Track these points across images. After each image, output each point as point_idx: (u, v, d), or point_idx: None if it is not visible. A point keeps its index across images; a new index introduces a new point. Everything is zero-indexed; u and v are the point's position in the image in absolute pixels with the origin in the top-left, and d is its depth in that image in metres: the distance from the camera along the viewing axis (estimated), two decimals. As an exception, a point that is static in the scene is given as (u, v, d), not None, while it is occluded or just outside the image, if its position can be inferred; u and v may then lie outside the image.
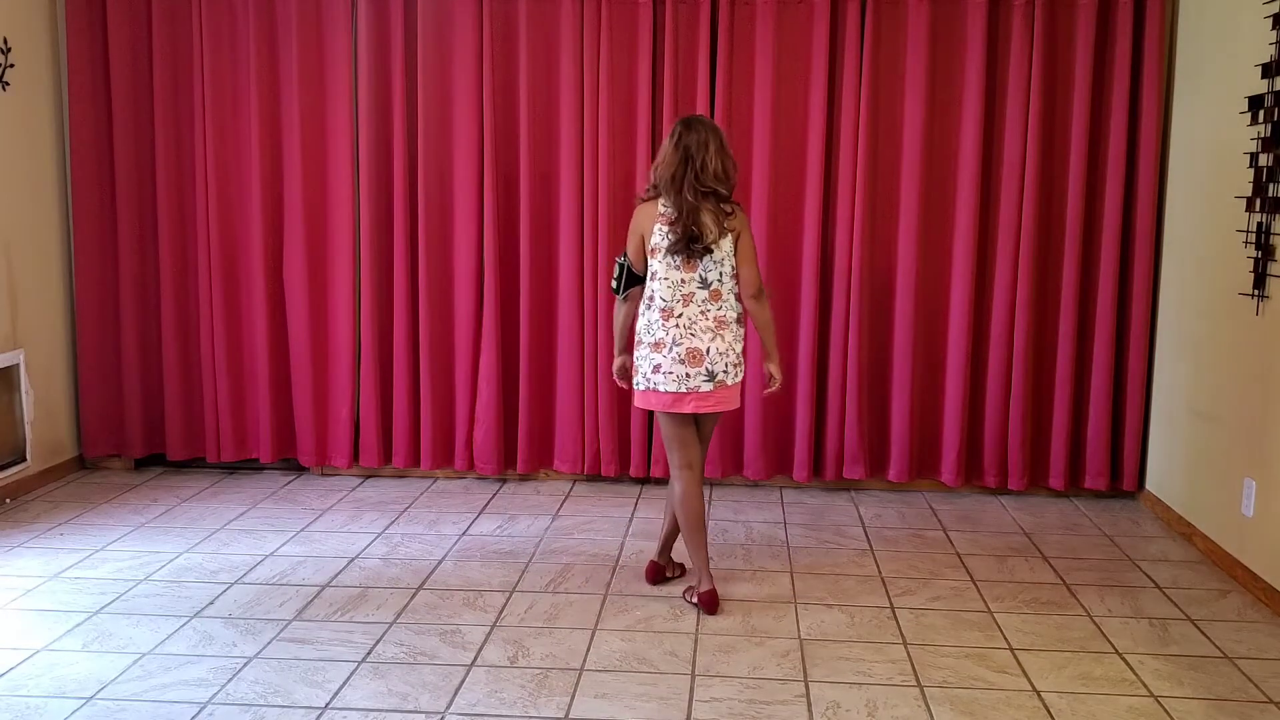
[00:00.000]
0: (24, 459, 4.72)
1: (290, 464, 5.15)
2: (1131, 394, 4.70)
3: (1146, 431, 4.76)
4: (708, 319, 3.45)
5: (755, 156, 4.68)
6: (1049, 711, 2.90)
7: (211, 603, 3.56)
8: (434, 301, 4.87)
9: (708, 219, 3.40)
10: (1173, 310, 4.56)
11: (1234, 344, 3.96)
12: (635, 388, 3.58)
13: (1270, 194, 3.69)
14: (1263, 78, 3.74)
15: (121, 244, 4.92)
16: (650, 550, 4.10)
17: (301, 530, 4.31)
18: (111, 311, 4.99)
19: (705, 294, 3.44)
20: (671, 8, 4.65)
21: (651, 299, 3.50)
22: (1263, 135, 3.73)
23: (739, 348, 3.51)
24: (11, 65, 4.61)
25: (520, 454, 4.93)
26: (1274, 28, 3.67)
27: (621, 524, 4.44)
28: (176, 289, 4.95)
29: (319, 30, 4.78)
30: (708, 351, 3.44)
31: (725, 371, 3.46)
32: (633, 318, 3.62)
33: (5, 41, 4.57)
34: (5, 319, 4.61)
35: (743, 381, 3.58)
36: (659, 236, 3.45)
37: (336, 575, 3.82)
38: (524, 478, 5.06)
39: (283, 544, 4.14)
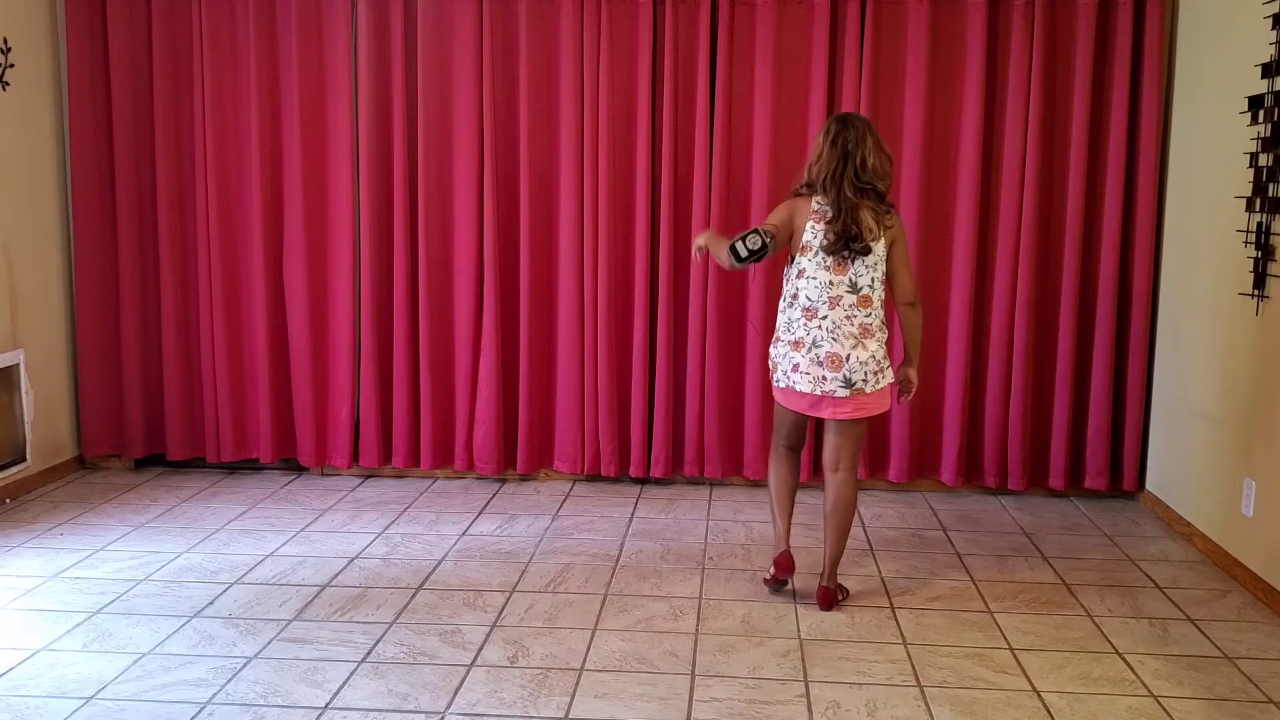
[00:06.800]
0: (24, 459, 4.72)
1: (290, 464, 5.15)
2: (1131, 394, 4.70)
3: (1146, 431, 4.76)
4: (853, 325, 3.39)
5: (755, 157, 4.68)
6: (1049, 711, 2.90)
7: (211, 603, 3.56)
8: (434, 301, 4.87)
9: (867, 216, 3.35)
10: (1173, 310, 4.56)
11: (1234, 344, 3.96)
12: (776, 385, 3.54)
13: (1270, 194, 3.69)
14: (1263, 78, 3.74)
15: (121, 244, 4.92)
16: (649, 551, 4.11)
17: (301, 530, 4.31)
18: (111, 311, 4.99)
19: (854, 299, 3.39)
20: (671, 8, 4.65)
21: (795, 296, 3.46)
22: (1263, 135, 3.73)
23: (882, 354, 3.44)
24: (11, 65, 4.61)
25: (520, 454, 4.93)
26: (1274, 28, 3.67)
27: (621, 524, 4.44)
28: (176, 289, 4.95)
29: (319, 30, 4.78)
30: (847, 359, 3.38)
31: (865, 380, 3.40)
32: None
33: (5, 41, 4.57)
34: (5, 319, 4.61)
35: (892, 384, 3.52)
36: (811, 234, 3.40)
37: (336, 575, 3.82)
38: (524, 478, 5.06)
39: (283, 544, 4.14)
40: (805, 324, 3.43)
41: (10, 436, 4.67)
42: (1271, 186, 3.68)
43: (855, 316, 3.39)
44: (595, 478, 5.03)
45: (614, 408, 4.86)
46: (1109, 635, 3.39)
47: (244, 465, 5.15)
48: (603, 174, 4.71)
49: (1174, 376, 4.52)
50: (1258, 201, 3.75)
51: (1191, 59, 4.43)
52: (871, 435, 4.85)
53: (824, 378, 3.40)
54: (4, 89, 4.58)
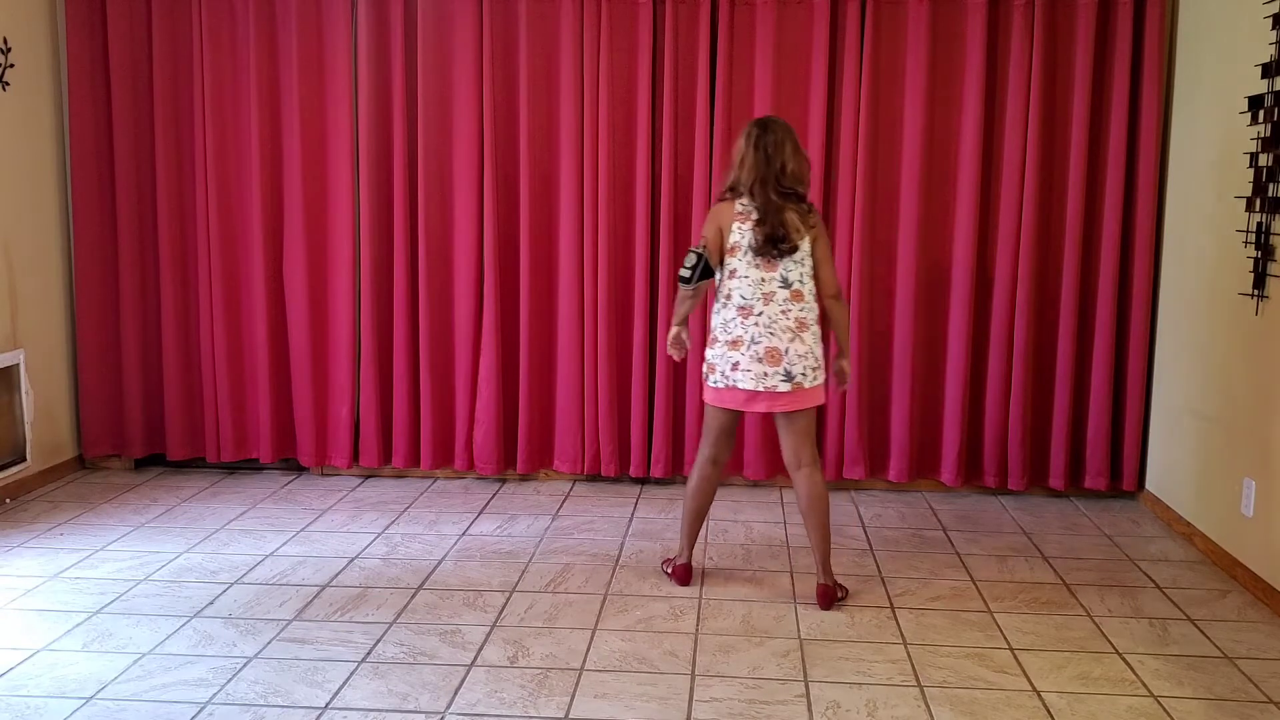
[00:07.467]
0: (24, 459, 4.72)
1: (290, 464, 5.15)
2: (1131, 394, 4.70)
3: (1146, 431, 4.76)
4: (788, 319, 3.46)
5: (755, 156, 4.68)
6: (1049, 711, 2.90)
7: (211, 603, 3.56)
8: (434, 301, 4.87)
9: (792, 217, 3.44)
10: (1173, 310, 4.56)
11: (1234, 344, 3.96)
12: (713, 385, 3.55)
13: (1270, 194, 3.69)
14: (1263, 78, 3.74)
15: (121, 244, 4.92)
16: (650, 551, 4.11)
17: (301, 530, 4.31)
18: (111, 311, 4.99)
19: (786, 294, 3.46)
20: (671, 8, 4.65)
21: (729, 297, 3.51)
22: (1263, 135, 3.73)
23: (819, 350, 3.51)
24: (11, 65, 4.61)
25: (520, 454, 4.93)
26: (1274, 28, 3.67)
27: (621, 524, 4.44)
28: (176, 289, 4.95)
29: (319, 30, 4.78)
30: (786, 352, 3.44)
31: (804, 374, 3.46)
32: (694, 309, 3.66)
33: (5, 41, 4.57)
34: (5, 319, 4.61)
35: (826, 381, 3.58)
36: (739, 235, 3.47)
37: (336, 575, 3.82)
38: (524, 478, 5.06)
39: (283, 544, 4.14)
40: (742, 322, 3.48)
41: (10, 436, 4.67)
42: (1271, 186, 3.68)
43: (790, 311, 3.46)
44: (595, 478, 5.04)
45: (614, 408, 4.86)
46: (1109, 635, 3.39)
47: (244, 465, 5.15)
48: (603, 174, 4.71)
49: (1174, 376, 4.52)
50: (1258, 201, 3.75)
51: (1191, 59, 4.43)
52: (871, 435, 4.86)
53: (765, 374, 3.46)
54: (4, 89, 4.58)
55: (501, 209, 4.82)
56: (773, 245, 3.43)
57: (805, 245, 3.47)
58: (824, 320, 3.57)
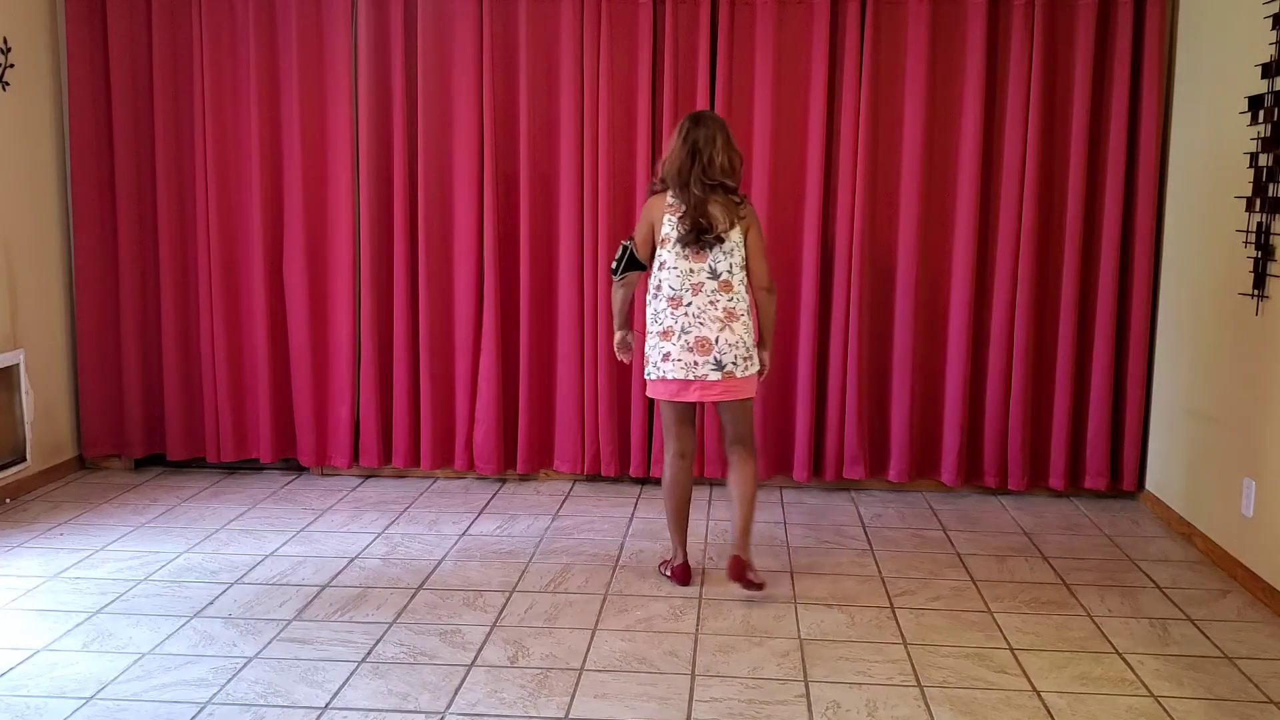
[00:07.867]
0: (24, 459, 4.72)
1: (290, 464, 5.15)
2: (1131, 394, 4.70)
3: (1146, 431, 4.76)
4: (717, 309, 3.50)
5: (755, 157, 4.67)
6: (1049, 711, 2.90)
7: (211, 603, 3.56)
8: (434, 301, 4.87)
9: (717, 210, 3.47)
10: (1173, 310, 4.56)
11: (1234, 344, 3.96)
12: (647, 377, 3.63)
13: (1270, 194, 3.69)
14: (1263, 78, 3.74)
15: (121, 244, 4.92)
16: (650, 552, 4.11)
17: (301, 530, 4.31)
18: (111, 311, 4.99)
19: (715, 284, 3.50)
20: (671, 8, 4.65)
21: (660, 288, 3.56)
22: (1263, 135, 3.73)
23: (750, 339, 3.55)
24: (11, 65, 4.61)
25: (520, 454, 4.93)
26: (1274, 28, 3.67)
27: (621, 524, 4.44)
28: (176, 289, 4.95)
29: (319, 30, 4.78)
30: (716, 341, 3.49)
31: (735, 363, 3.50)
32: (629, 300, 3.73)
33: (5, 41, 4.57)
34: (5, 319, 4.61)
35: (759, 373, 3.63)
36: (669, 227, 3.52)
37: (336, 575, 3.82)
38: (524, 478, 5.06)
39: (283, 544, 4.14)
40: (672, 312, 3.52)
41: (10, 436, 4.67)
42: (1271, 186, 3.68)
43: (718, 301, 3.50)
44: (595, 478, 5.03)
45: (614, 408, 4.86)
46: (1109, 635, 3.39)
47: (244, 465, 5.15)
48: (603, 174, 4.71)
49: (1174, 376, 4.52)
50: (1258, 201, 3.75)
51: (1191, 59, 4.43)
52: (871, 435, 4.85)
53: (695, 363, 3.50)
54: (4, 89, 4.58)
55: (502, 209, 4.82)
56: (697, 236, 3.46)
57: (735, 236, 3.50)
58: (756, 310, 3.61)
